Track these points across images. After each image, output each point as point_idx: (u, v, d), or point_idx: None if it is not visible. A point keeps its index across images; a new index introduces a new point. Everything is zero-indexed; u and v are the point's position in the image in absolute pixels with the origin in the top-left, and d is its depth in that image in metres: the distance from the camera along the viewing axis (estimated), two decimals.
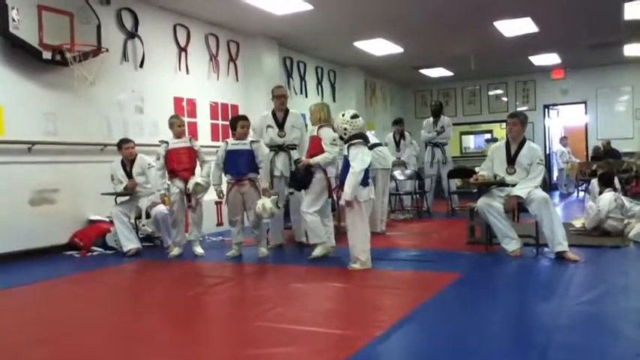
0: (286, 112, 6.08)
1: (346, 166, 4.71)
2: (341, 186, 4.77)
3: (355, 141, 4.70)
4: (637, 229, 5.61)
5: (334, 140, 5.21)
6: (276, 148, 5.95)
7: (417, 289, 4.11)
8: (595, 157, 10.93)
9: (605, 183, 6.36)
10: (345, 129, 4.74)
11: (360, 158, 4.61)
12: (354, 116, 4.77)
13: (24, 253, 5.68)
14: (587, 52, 11.34)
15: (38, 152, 5.91)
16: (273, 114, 6.07)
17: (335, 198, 5.04)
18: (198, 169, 5.87)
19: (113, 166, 6.17)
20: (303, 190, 5.40)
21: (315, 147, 5.30)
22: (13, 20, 5.52)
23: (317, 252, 5.22)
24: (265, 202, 5.28)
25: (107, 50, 6.38)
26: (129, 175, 6.10)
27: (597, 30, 9.68)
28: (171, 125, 5.88)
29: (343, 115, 4.80)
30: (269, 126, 6.00)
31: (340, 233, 5.70)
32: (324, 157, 5.21)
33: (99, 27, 6.30)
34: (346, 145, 4.74)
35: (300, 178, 5.29)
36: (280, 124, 6.00)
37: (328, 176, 5.28)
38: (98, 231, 6.20)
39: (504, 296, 3.91)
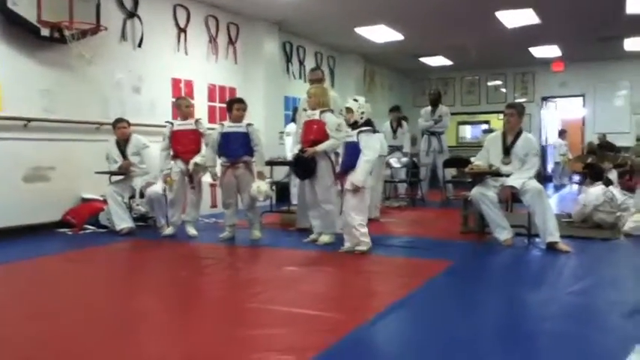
0: None
1: (353, 152, 4.75)
2: (345, 172, 4.81)
3: (365, 128, 4.79)
4: (630, 222, 5.65)
5: (339, 126, 5.21)
6: None
7: (409, 275, 4.13)
8: (590, 152, 10.96)
9: (594, 177, 6.39)
10: (363, 112, 4.84)
11: (372, 146, 4.75)
12: (367, 101, 4.93)
13: (16, 230, 5.67)
14: (588, 45, 11.33)
15: (34, 129, 5.89)
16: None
17: (340, 184, 4.95)
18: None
19: (108, 146, 6.16)
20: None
21: (318, 132, 5.24)
22: None
23: (325, 239, 5.24)
24: (261, 185, 5.30)
25: (106, 29, 6.33)
26: (123, 154, 6.09)
27: (599, 23, 9.65)
28: (178, 106, 5.90)
29: (356, 101, 4.90)
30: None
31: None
32: (330, 143, 5.18)
33: (98, 5, 6.24)
34: (356, 132, 4.78)
35: (306, 167, 5.24)
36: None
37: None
38: (91, 209, 6.20)
39: (495, 285, 3.94)
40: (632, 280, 4.03)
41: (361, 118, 4.84)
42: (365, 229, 4.80)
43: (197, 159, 5.64)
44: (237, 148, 5.45)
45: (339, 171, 5.00)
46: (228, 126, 5.51)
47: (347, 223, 4.81)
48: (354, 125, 4.85)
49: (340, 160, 5.02)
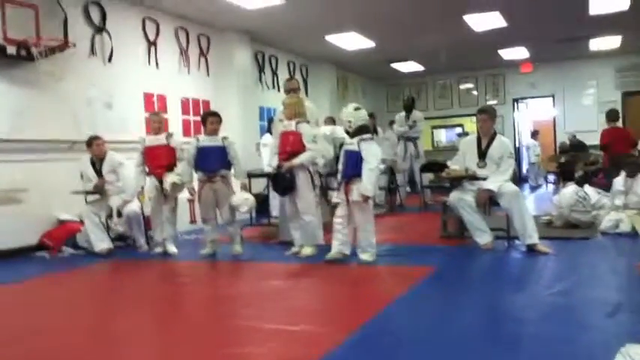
0: None
1: (355, 160, 4.74)
2: (347, 181, 4.79)
3: (365, 136, 4.79)
4: (606, 221, 5.75)
5: (315, 137, 5.19)
6: None
7: (391, 283, 4.14)
8: (563, 152, 11.13)
9: (566, 177, 6.49)
10: (350, 121, 4.84)
11: (374, 154, 4.74)
12: (357, 108, 4.91)
13: None
14: (554, 46, 11.55)
15: (4, 150, 5.73)
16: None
17: (344, 194, 4.88)
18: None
19: (82, 165, 6.03)
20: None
21: (295, 143, 5.21)
22: None
23: (307, 251, 5.20)
24: (247, 197, 5.33)
25: (74, 45, 6.21)
26: (99, 173, 5.97)
27: (564, 24, 9.86)
28: (150, 122, 5.84)
29: (346, 108, 4.93)
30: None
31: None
32: (307, 156, 5.17)
33: (65, 21, 6.15)
34: (356, 140, 4.76)
35: (285, 182, 5.19)
36: None
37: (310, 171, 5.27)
38: (68, 231, 6.06)
39: (477, 289, 3.96)
40: (612, 279, 4.09)
41: (349, 126, 4.84)
42: (373, 239, 4.84)
43: (175, 179, 5.53)
44: (213, 162, 5.40)
45: (341, 180, 4.94)
46: (204, 140, 5.46)
47: (360, 230, 4.83)
48: (352, 134, 4.85)
49: (340, 168, 4.98)
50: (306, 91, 11.60)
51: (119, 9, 7.15)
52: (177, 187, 5.57)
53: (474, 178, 5.18)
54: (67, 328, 3.35)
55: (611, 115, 8.30)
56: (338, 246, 4.84)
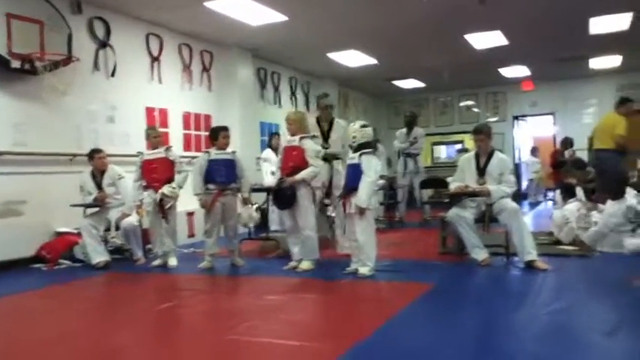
0: (331, 122, 6.05)
1: (356, 174, 4.81)
2: (348, 194, 4.85)
3: (367, 150, 4.86)
4: (589, 232, 5.72)
5: (318, 153, 5.25)
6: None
7: (390, 300, 4.13)
8: (560, 163, 10.81)
9: (568, 194, 6.48)
10: (354, 137, 4.93)
11: (373, 167, 4.81)
12: (364, 125, 4.99)
13: None
14: (555, 65, 11.62)
15: (6, 163, 5.77)
16: (318, 123, 5.96)
17: (342, 207, 5.00)
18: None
19: (83, 177, 6.06)
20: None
21: (297, 159, 5.25)
22: None
23: (306, 265, 5.22)
24: (251, 211, 5.49)
25: (78, 59, 6.29)
26: (99, 186, 6.00)
27: (564, 44, 9.93)
28: (147, 136, 5.96)
29: (354, 124, 5.02)
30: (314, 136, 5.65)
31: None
32: (309, 171, 5.21)
33: (70, 36, 6.22)
34: (357, 154, 4.85)
35: (286, 197, 5.22)
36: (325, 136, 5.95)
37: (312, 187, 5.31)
38: (66, 243, 6.06)
39: (476, 306, 3.95)
40: (610, 297, 4.08)
41: (353, 142, 4.93)
42: (372, 253, 4.86)
43: (165, 189, 5.62)
44: (225, 174, 5.51)
45: (342, 192, 5.02)
46: (216, 153, 5.54)
47: (359, 243, 4.83)
48: (355, 149, 4.93)
49: (342, 181, 5.06)
50: (308, 107, 11.67)
51: (123, 24, 7.23)
52: (166, 198, 5.63)
53: (474, 195, 5.19)
54: (64, 342, 3.33)
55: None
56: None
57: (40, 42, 5.87)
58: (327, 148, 5.84)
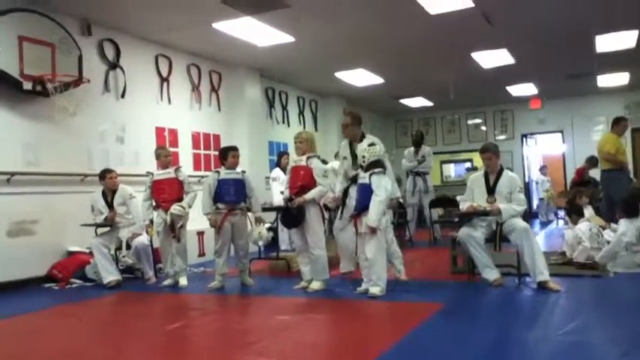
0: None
1: (366, 193, 4.82)
2: (359, 214, 4.85)
3: (377, 170, 4.88)
4: (602, 252, 5.62)
5: (325, 172, 5.26)
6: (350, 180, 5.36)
7: (401, 320, 4.09)
8: (586, 182, 10.60)
9: (577, 213, 6.41)
10: (364, 156, 4.94)
11: (384, 186, 4.82)
12: (371, 144, 4.99)
13: (1, 286, 5.54)
14: (562, 82, 11.64)
15: (18, 183, 5.82)
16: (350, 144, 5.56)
17: (353, 226, 5.00)
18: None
19: (94, 197, 6.10)
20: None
21: (305, 178, 5.25)
22: None
23: (316, 286, 5.20)
24: (262, 231, 5.51)
25: (88, 81, 6.37)
26: (110, 205, 6.04)
27: (571, 61, 9.96)
28: (157, 156, 6.01)
29: (361, 144, 5.06)
30: (344, 157, 5.47)
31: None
32: (318, 190, 5.21)
33: (80, 58, 6.31)
34: (368, 174, 4.87)
35: (293, 216, 5.22)
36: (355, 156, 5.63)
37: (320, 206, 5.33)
38: (77, 262, 6.09)
39: (488, 327, 3.90)
40: (624, 318, 4.01)
41: (363, 161, 4.94)
42: (384, 274, 4.84)
43: (173, 209, 5.66)
44: (235, 194, 5.54)
45: (353, 212, 5.00)
46: (226, 173, 5.57)
47: (370, 262, 4.81)
48: (365, 168, 4.93)
49: (354, 201, 5.04)
50: (316, 126, 11.73)
51: (133, 46, 7.33)
52: (176, 217, 5.65)
53: (485, 214, 5.16)
54: None
55: (593, 161, 8.88)
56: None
57: (52, 64, 5.95)
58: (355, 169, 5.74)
